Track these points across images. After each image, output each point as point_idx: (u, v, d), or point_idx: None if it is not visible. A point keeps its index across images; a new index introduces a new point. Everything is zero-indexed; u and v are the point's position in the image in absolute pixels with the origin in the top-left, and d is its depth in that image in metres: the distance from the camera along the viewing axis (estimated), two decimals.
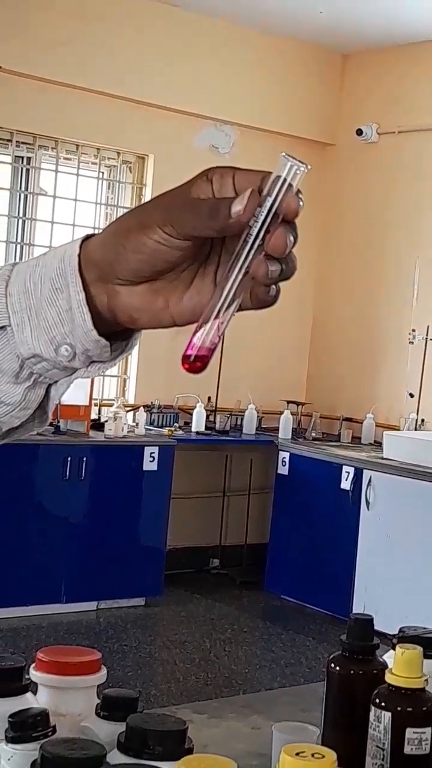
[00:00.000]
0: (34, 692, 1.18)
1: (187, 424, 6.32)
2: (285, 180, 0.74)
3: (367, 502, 5.63)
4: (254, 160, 6.72)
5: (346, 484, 5.75)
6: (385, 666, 1.33)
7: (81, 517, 5.52)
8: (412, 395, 6.32)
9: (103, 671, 1.23)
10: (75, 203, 6.20)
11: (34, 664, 1.21)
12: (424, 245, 6.38)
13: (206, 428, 6.29)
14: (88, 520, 5.54)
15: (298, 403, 6.73)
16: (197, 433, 6.23)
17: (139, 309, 0.77)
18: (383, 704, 1.26)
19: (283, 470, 6.20)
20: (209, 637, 5.34)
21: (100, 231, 0.78)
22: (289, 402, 6.66)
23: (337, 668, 1.39)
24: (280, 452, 6.21)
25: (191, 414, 6.31)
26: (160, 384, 6.44)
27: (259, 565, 6.27)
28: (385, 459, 5.71)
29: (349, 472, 5.75)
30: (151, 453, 5.71)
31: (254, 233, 0.74)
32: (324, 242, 7.05)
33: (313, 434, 6.49)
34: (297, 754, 1.04)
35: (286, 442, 6.28)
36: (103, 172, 6.39)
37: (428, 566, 5.21)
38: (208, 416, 6.35)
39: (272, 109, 6.66)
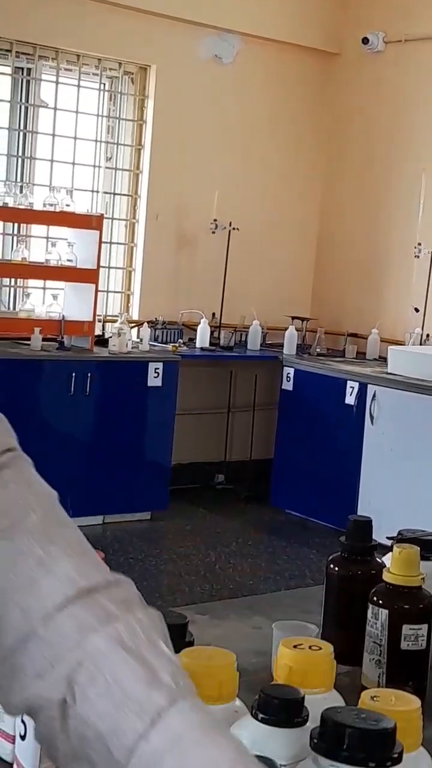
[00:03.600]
0: None
1: (192, 340, 6.32)
2: None
3: (371, 417, 5.65)
4: (257, 70, 6.63)
5: (350, 399, 5.77)
6: (382, 566, 1.35)
7: (86, 432, 5.55)
8: (417, 310, 6.31)
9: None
10: (76, 115, 6.12)
11: None
12: (430, 157, 6.30)
13: (210, 344, 6.30)
14: (93, 435, 5.58)
15: (302, 319, 6.71)
16: (201, 349, 6.24)
17: None
18: (381, 602, 1.28)
19: (288, 386, 6.22)
20: (214, 550, 5.41)
21: None
22: (293, 318, 6.65)
23: (336, 569, 1.41)
24: (285, 368, 6.22)
25: (195, 330, 6.30)
26: (164, 300, 6.43)
27: (263, 481, 6.33)
28: (390, 374, 5.71)
29: (353, 387, 5.76)
30: (156, 369, 5.72)
31: None
32: (329, 155, 6.96)
33: (318, 350, 6.49)
34: (295, 646, 1.06)
35: (291, 357, 6.28)
36: (104, 84, 6.30)
37: (431, 480, 5.25)
38: (212, 332, 6.35)
39: (276, 18, 6.53)
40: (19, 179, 5.94)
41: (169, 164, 6.36)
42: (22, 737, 1.01)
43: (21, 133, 5.99)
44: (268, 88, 6.69)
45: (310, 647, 1.07)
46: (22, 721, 1.01)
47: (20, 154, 5.99)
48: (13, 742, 1.04)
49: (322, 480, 5.92)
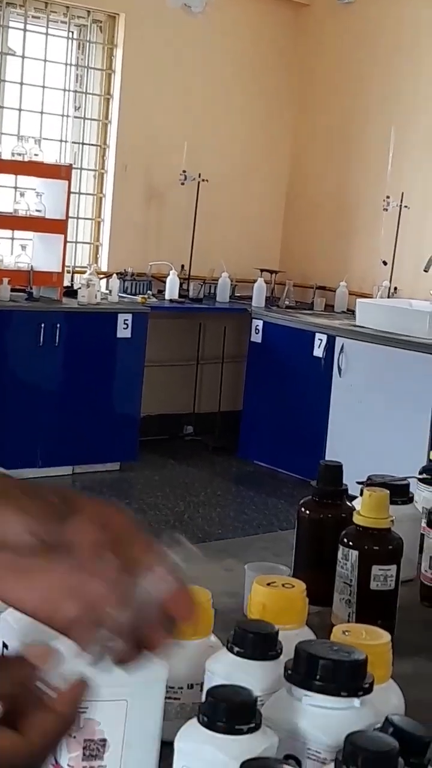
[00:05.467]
0: None
1: (161, 292, 6.32)
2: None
3: (339, 369, 5.69)
4: (227, 20, 6.54)
5: (318, 352, 5.81)
6: (352, 509, 1.38)
7: (56, 383, 5.56)
8: (385, 263, 6.33)
9: None
10: (44, 64, 6.05)
11: None
12: (400, 111, 6.30)
13: (180, 296, 6.30)
14: (63, 386, 5.59)
15: (271, 272, 6.72)
16: (170, 301, 6.24)
17: None
18: (351, 543, 1.32)
19: (257, 338, 6.24)
20: (183, 500, 5.46)
21: None
22: (262, 270, 6.65)
23: (308, 512, 1.44)
24: (254, 320, 6.24)
25: (164, 282, 6.30)
26: (133, 251, 6.41)
27: (232, 432, 6.37)
28: (358, 326, 5.75)
29: (321, 340, 5.80)
30: (125, 320, 5.72)
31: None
32: (300, 107, 6.94)
33: (287, 302, 6.51)
34: (268, 584, 1.09)
35: (260, 310, 6.30)
36: (72, 32, 6.22)
37: (398, 431, 5.31)
38: (181, 284, 6.35)
39: None
40: None
41: (137, 114, 6.31)
42: None
43: None
44: (238, 38, 6.64)
45: (283, 585, 1.10)
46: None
47: None
48: None
49: (290, 431, 5.97)
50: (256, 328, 6.23)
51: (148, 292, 6.23)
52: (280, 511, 5.33)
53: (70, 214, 5.84)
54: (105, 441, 5.74)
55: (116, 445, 5.81)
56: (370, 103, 6.51)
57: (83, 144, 6.32)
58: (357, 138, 6.60)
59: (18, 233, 5.95)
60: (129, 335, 5.73)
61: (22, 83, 5.96)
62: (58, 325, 5.49)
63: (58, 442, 5.55)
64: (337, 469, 1.44)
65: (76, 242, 6.33)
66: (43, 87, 6.05)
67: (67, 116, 6.24)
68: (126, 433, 5.81)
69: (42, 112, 6.07)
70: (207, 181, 6.40)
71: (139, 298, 6.04)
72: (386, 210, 6.27)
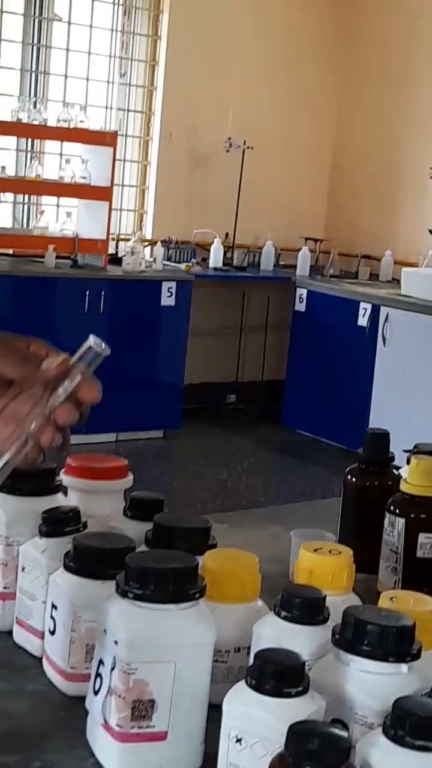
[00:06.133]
0: (65, 495, 1.23)
1: (205, 260, 6.31)
2: (90, 361, 0.90)
3: (384, 339, 5.66)
4: None
5: (362, 321, 5.78)
6: (399, 477, 1.38)
7: None
8: (431, 232, 6.26)
9: (130, 477, 1.29)
10: (90, 30, 6.03)
11: (63, 470, 1.26)
12: None
13: (224, 264, 6.28)
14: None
15: (316, 240, 6.68)
16: (215, 269, 6.23)
17: None
18: (397, 511, 1.31)
19: (300, 307, 6.22)
20: (226, 468, 5.48)
21: None
22: (307, 239, 6.61)
23: (354, 480, 1.44)
24: (298, 289, 6.22)
25: (209, 250, 6.29)
26: (178, 219, 6.39)
27: (275, 401, 6.36)
28: (403, 296, 5.71)
29: (366, 309, 5.76)
30: (169, 288, 5.72)
31: (53, 398, 0.87)
32: (346, 73, 6.86)
33: (331, 271, 6.48)
34: (315, 550, 1.10)
35: (304, 278, 6.27)
36: None
37: None
38: (225, 252, 6.33)
39: None
40: (32, 94, 5.88)
41: (183, 81, 6.28)
42: (52, 632, 1.05)
43: (35, 47, 5.91)
44: (286, 3, 6.56)
45: (329, 551, 1.10)
46: (51, 617, 1.04)
47: (34, 69, 5.92)
48: (42, 638, 1.08)
49: (334, 401, 5.95)
50: (300, 297, 6.20)
51: (192, 260, 6.22)
52: (323, 480, 5.32)
53: (115, 182, 5.83)
54: (148, 409, 5.76)
55: (160, 413, 5.83)
56: (419, 67, 6.42)
57: (128, 111, 6.31)
58: (404, 104, 6.52)
59: (63, 200, 5.96)
60: (173, 303, 5.73)
61: (68, 49, 5.95)
62: (103, 293, 5.50)
63: (102, 410, 5.48)
64: (384, 437, 1.44)
65: (121, 210, 6.33)
66: (89, 53, 6.03)
67: (113, 83, 6.22)
68: (169, 401, 5.83)
69: (87, 79, 6.06)
70: (252, 148, 6.36)
71: (183, 266, 6.03)
72: None
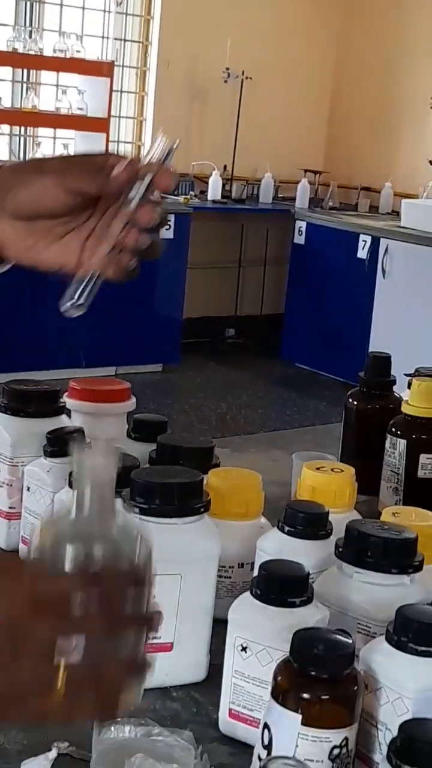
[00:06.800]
0: (69, 417, 1.24)
1: (203, 192, 6.26)
2: (161, 158, 0.83)
3: (383, 271, 5.64)
4: None
5: (362, 253, 5.75)
6: (400, 400, 1.38)
7: None
8: (431, 163, 6.21)
9: (133, 399, 1.29)
10: None
11: (66, 393, 1.26)
12: None
13: (222, 197, 6.23)
14: (105, 287, 5.57)
15: (315, 172, 6.62)
16: (213, 201, 6.18)
17: (10, 241, 0.82)
18: (399, 432, 1.32)
19: (300, 240, 6.18)
20: (225, 402, 5.49)
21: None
22: (306, 171, 6.56)
23: (355, 402, 1.45)
24: (297, 221, 6.17)
25: (207, 182, 6.23)
26: (176, 151, 6.32)
27: (274, 335, 6.35)
28: (403, 228, 5.67)
29: (365, 241, 5.73)
30: (168, 221, 5.67)
31: (131, 200, 0.81)
32: (344, 3, 6.74)
33: (330, 203, 6.43)
34: (317, 469, 1.11)
35: (303, 211, 6.23)
36: None
37: None
38: (224, 185, 6.27)
39: None
40: (28, 24, 5.78)
41: (181, 10, 6.17)
42: None
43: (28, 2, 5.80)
44: None
45: (332, 470, 1.11)
46: None
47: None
48: None
49: (333, 334, 5.95)
50: (299, 230, 6.16)
51: (191, 192, 6.17)
52: (322, 412, 5.34)
53: (112, 113, 5.76)
54: (147, 343, 5.76)
55: (159, 347, 5.83)
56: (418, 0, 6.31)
57: (125, 40, 6.21)
58: (403, 35, 6.42)
59: (60, 132, 5.89)
60: (171, 236, 5.70)
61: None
62: None
63: (101, 344, 5.57)
64: (385, 360, 1.44)
65: (118, 141, 6.26)
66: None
67: (109, 12, 6.11)
68: (168, 335, 5.83)
69: (83, 8, 5.95)
70: (251, 78, 6.28)
71: (181, 199, 5.99)
72: None
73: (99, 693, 0.64)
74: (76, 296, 0.85)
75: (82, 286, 0.85)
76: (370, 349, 5.62)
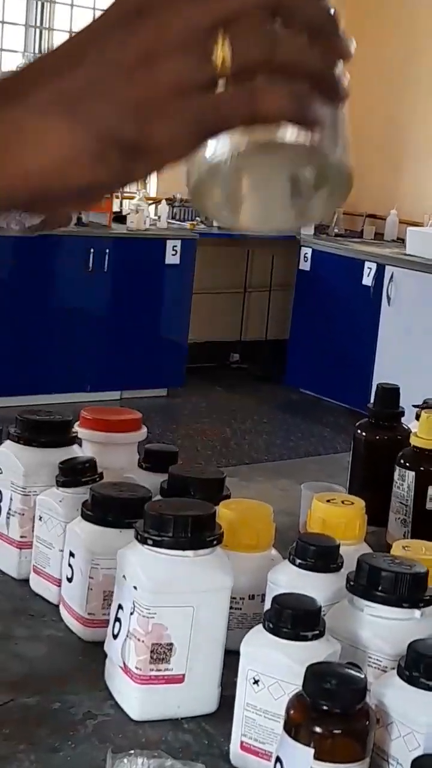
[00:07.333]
0: (80, 447, 1.24)
1: (209, 218, 6.28)
2: None
3: (389, 298, 5.66)
4: None
5: (367, 280, 5.77)
6: (408, 432, 1.39)
7: (104, 309, 5.59)
8: None
9: (144, 429, 1.30)
10: None
11: (78, 422, 1.27)
12: None
13: None
14: (111, 312, 5.61)
15: None
16: (219, 227, 6.21)
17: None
18: (408, 464, 1.33)
19: (305, 266, 6.21)
20: (229, 427, 5.50)
21: None
22: None
23: (364, 434, 1.46)
24: (302, 248, 6.20)
25: None
26: (182, 177, 6.34)
27: (279, 361, 6.37)
28: (408, 255, 5.70)
29: (371, 268, 5.75)
30: (174, 247, 5.71)
31: None
32: (350, 26, 6.78)
33: (336, 230, 6.46)
34: (328, 501, 1.11)
35: (309, 237, 6.26)
36: None
37: None
38: None
39: None
40: (39, 23, 5.81)
41: None
42: (69, 580, 1.07)
43: (39, 2, 5.85)
44: None
45: (342, 502, 1.12)
46: (69, 565, 1.07)
47: (38, 24, 5.86)
48: (59, 585, 1.10)
49: (338, 360, 5.96)
50: (304, 256, 6.19)
51: (197, 218, 6.20)
52: (326, 439, 5.35)
53: None
54: (152, 367, 5.78)
55: (163, 371, 5.85)
56: (426, 22, 6.36)
57: None
58: (411, 59, 6.47)
59: None
60: (177, 261, 5.73)
61: (72, 5, 5.88)
62: (107, 251, 5.50)
63: (107, 368, 5.59)
64: (394, 391, 1.45)
65: None
66: (94, 9, 5.97)
67: None
68: (173, 359, 5.85)
69: (94, 8, 5.89)
70: None
71: (188, 225, 6.02)
72: None
73: (281, 83, 0.46)
74: None
75: None
76: (375, 376, 5.65)
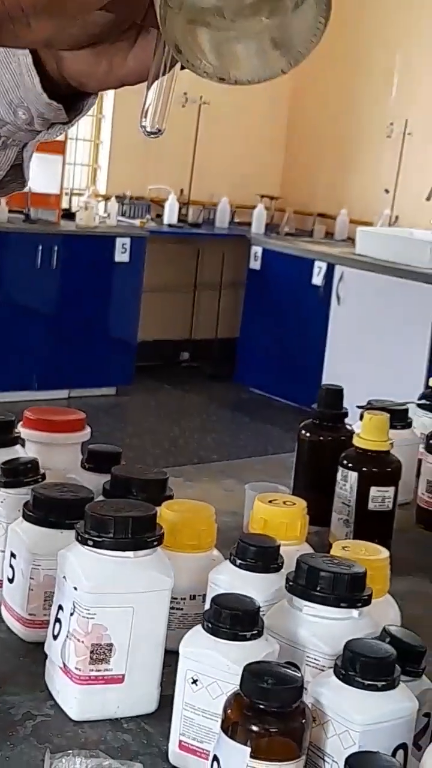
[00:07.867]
0: (23, 447, 1.24)
1: (159, 216, 6.29)
2: None
3: (338, 298, 5.70)
4: None
5: (317, 280, 5.80)
6: (352, 433, 1.41)
7: (53, 306, 5.56)
8: (387, 191, 6.30)
9: (87, 430, 1.30)
10: None
11: (21, 423, 1.27)
12: (407, 35, 6.21)
13: (179, 221, 6.27)
14: (59, 309, 5.59)
15: (271, 198, 6.68)
16: (169, 225, 6.21)
17: (85, 74, 0.75)
18: (350, 465, 1.34)
19: (255, 265, 6.23)
20: (178, 425, 5.50)
21: None
22: (262, 196, 6.61)
23: (308, 434, 1.47)
24: (253, 247, 6.22)
25: (163, 206, 6.26)
26: (132, 175, 6.36)
27: (229, 360, 6.39)
28: (358, 255, 5.74)
29: (321, 268, 5.79)
30: (123, 244, 5.70)
31: None
32: None
33: (287, 229, 6.49)
34: (270, 501, 1.12)
35: (259, 236, 6.28)
36: None
37: (396, 361, 5.34)
38: (180, 209, 6.31)
39: None
40: None
41: None
42: (10, 580, 1.07)
43: None
44: None
45: (284, 503, 1.13)
46: (11, 566, 1.06)
47: None
48: (0, 586, 1.10)
49: (287, 359, 5.99)
50: (255, 255, 6.21)
51: (147, 216, 6.20)
52: (275, 437, 5.37)
53: (69, 135, 5.78)
54: (101, 365, 5.76)
55: (112, 369, 5.83)
56: (376, 27, 6.41)
57: None
58: (361, 63, 6.51)
59: None
60: (127, 259, 5.72)
61: None
62: (56, 248, 5.47)
63: (55, 366, 5.57)
64: (337, 392, 1.46)
65: (75, 164, 6.28)
66: None
67: None
68: (122, 358, 5.83)
69: None
70: (208, 104, 6.33)
71: (137, 222, 6.01)
72: (389, 137, 6.22)
73: None
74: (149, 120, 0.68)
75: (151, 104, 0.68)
76: (324, 375, 5.69)
